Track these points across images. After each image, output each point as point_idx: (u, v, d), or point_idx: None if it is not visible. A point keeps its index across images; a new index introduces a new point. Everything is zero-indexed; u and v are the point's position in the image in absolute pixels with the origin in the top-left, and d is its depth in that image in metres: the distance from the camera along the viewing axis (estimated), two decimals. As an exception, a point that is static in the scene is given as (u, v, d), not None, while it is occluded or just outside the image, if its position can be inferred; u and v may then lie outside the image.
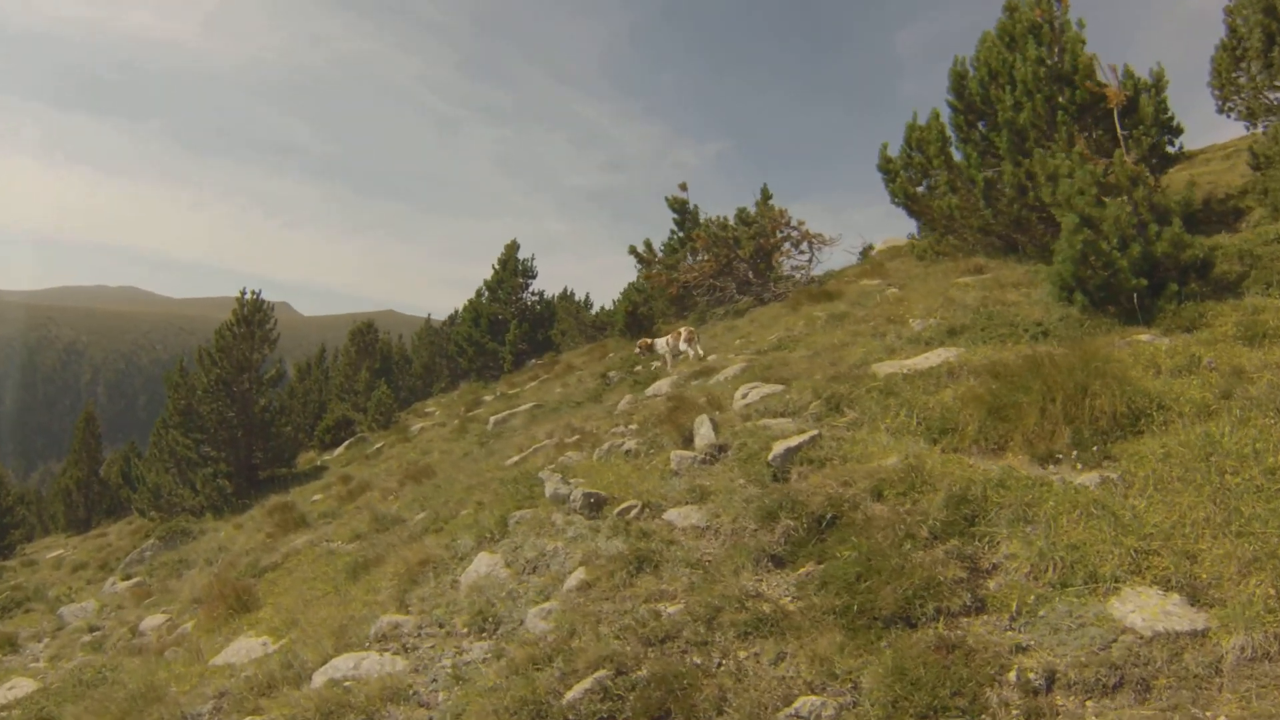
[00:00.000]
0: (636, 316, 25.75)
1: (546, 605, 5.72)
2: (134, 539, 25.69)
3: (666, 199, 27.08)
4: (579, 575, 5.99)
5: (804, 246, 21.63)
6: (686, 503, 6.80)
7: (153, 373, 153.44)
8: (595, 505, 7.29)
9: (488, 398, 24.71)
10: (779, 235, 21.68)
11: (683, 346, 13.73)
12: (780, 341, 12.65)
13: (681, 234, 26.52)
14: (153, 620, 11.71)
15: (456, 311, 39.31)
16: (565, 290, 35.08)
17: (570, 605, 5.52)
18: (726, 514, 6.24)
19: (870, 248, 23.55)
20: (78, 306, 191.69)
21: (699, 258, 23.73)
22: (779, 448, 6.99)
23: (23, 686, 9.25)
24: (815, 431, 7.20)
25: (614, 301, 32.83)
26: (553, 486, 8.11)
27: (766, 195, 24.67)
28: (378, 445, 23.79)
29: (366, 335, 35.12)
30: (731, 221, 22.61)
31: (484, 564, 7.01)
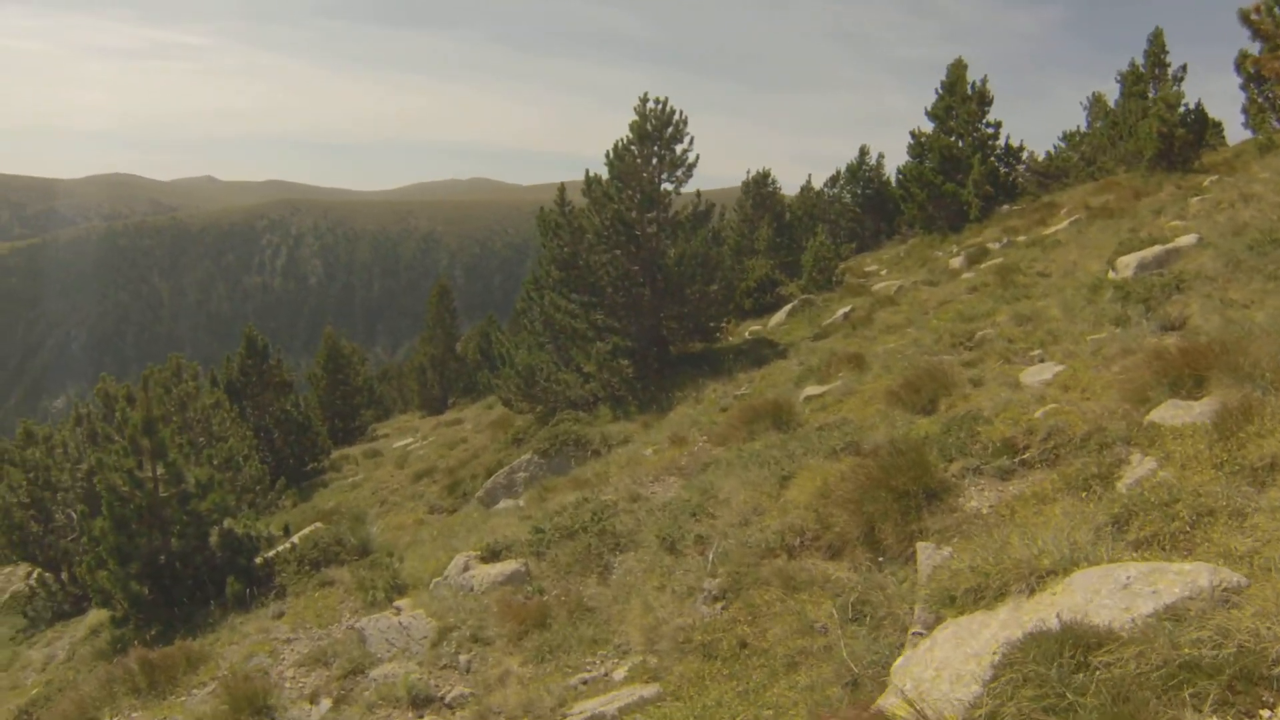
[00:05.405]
0: (1172, 142, 19.15)
1: None
2: (493, 434, 20.07)
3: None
4: None
5: None
6: None
7: (505, 255, 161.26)
8: None
9: (993, 245, 18.36)
10: None
11: None
12: None
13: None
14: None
15: (838, 172, 33.54)
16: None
17: None
18: None
19: None
20: (432, 200, 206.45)
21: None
22: None
23: None
24: None
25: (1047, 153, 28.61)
26: None
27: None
28: (840, 310, 16.10)
29: (762, 187, 28.59)
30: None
31: None
